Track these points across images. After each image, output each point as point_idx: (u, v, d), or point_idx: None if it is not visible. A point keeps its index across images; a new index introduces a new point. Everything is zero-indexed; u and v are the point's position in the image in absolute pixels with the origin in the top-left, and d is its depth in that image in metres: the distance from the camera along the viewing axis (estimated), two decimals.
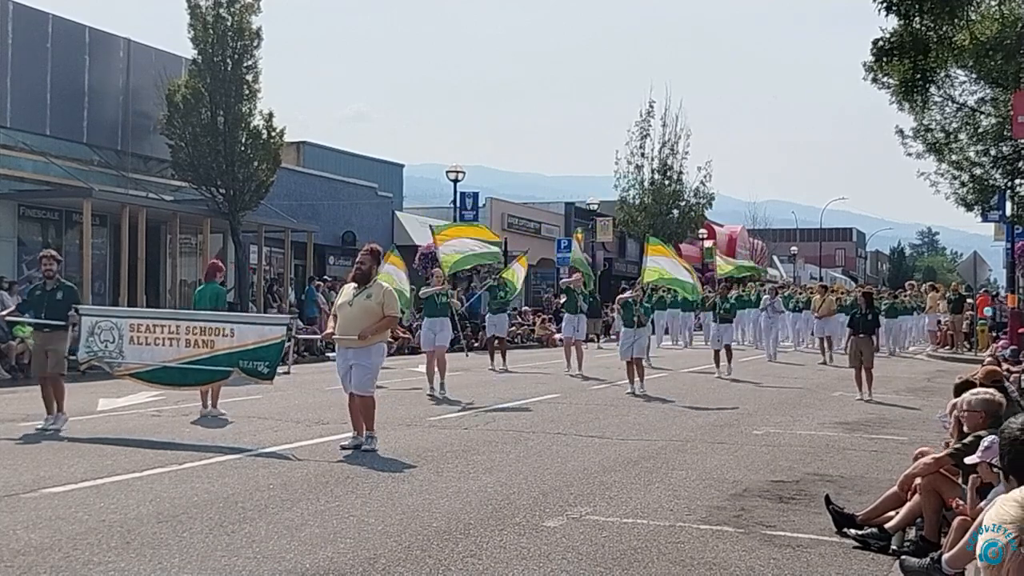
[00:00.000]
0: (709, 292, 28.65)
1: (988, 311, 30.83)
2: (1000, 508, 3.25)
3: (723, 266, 32.44)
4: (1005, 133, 25.92)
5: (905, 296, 32.69)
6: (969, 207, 29.79)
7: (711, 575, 5.75)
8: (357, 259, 10.09)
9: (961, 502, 5.88)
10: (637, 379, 15.86)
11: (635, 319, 16.20)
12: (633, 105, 58.74)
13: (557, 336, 31.06)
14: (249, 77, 25.76)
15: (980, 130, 27.63)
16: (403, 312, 16.20)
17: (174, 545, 6.01)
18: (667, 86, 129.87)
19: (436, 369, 15.29)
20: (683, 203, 46.73)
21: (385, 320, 9.79)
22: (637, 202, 45.85)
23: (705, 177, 47.19)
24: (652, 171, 46.19)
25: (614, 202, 47.24)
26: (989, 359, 13.57)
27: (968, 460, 5.43)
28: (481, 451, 9.80)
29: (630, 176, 46.11)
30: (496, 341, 20.56)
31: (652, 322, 20.53)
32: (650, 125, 46.23)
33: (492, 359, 20.34)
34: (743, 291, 30.39)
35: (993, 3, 22.97)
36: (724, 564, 5.92)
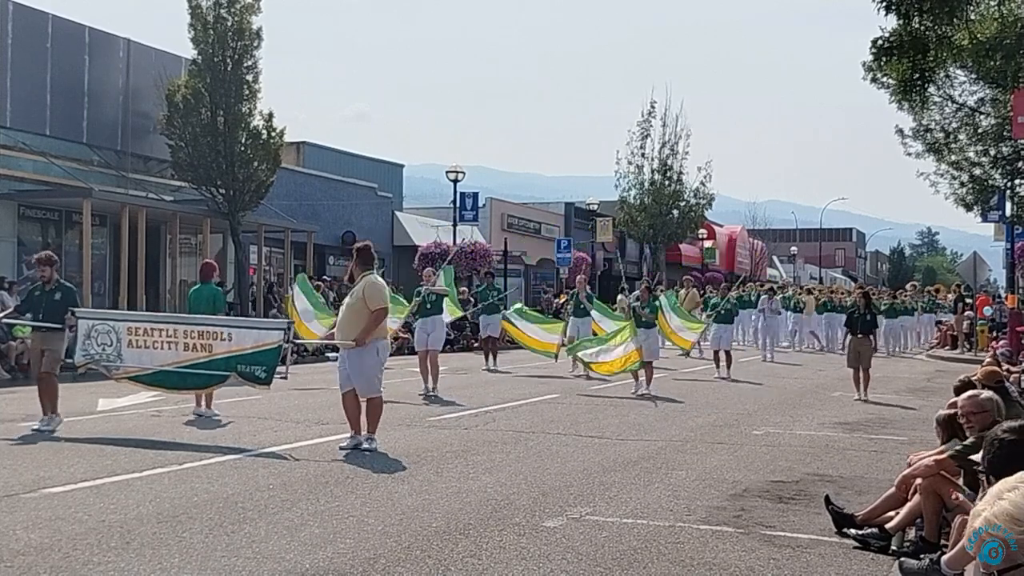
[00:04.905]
0: (711, 292, 28.73)
1: (988, 311, 30.86)
2: (983, 517, 3.25)
3: None
4: (1005, 133, 25.92)
5: (905, 296, 32.75)
6: (969, 207, 29.81)
7: (711, 575, 5.75)
8: None
9: (961, 496, 5.89)
10: (643, 379, 15.85)
11: (642, 321, 16.19)
12: (633, 105, 58.70)
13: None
14: (249, 77, 25.77)
15: (980, 130, 27.63)
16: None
17: (174, 545, 6.01)
18: (667, 86, 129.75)
19: (428, 370, 15.31)
20: (683, 203, 46.68)
21: (373, 315, 9.65)
22: (637, 202, 45.82)
23: (705, 177, 47.20)
24: (652, 171, 46.17)
25: (614, 202, 47.21)
26: (989, 359, 13.58)
27: (975, 457, 5.44)
28: (481, 451, 9.80)
29: (630, 176, 46.10)
30: (489, 341, 20.78)
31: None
32: (651, 125, 46.22)
33: (487, 359, 20.48)
34: (743, 291, 30.42)
35: (993, 3, 22.95)
36: (724, 564, 5.92)
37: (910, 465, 6.87)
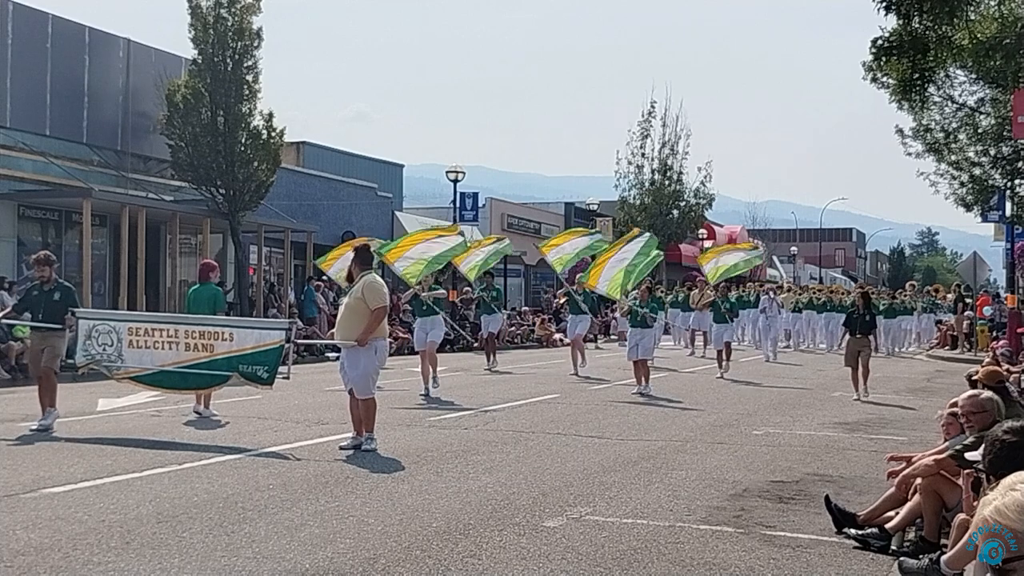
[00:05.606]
0: (711, 292, 28.75)
1: (988, 311, 30.88)
2: (993, 506, 3.26)
3: (714, 271, 23.68)
4: (1005, 133, 25.94)
5: (905, 296, 32.77)
6: (969, 207, 29.85)
7: (711, 575, 5.75)
8: None
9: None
10: (642, 379, 15.88)
11: (638, 319, 16.29)
12: (633, 106, 58.71)
13: (557, 336, 31.09)
14: (249, 77, 25.77)
15: (980, 130, 27.67)
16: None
17: (174, 545, 6.01)
18: (667, 86, 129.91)
19: (430, 368, 15.33)
20: (683, 203, 46.69)
21: (374, 314, 9.63)
22: (637, 202, 45.83)
23: (705, 177, 47.21)
24: (652, 171, 46.17)
25: (614, 202, 47.23)
26: (989, 359, 13.58)
27: (969, 456, 5.45)
28: (481, 451, 9.80)
29: (630, 176, 46.10)
30: (489, 340, 20.83)
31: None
32: (651, 125, 46.21)
33: (488, 359, 20.53)
34: (743, 291, 30.46)
35: (992, 3, 22.96)
36: (724, 564, 5.92)
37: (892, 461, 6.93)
